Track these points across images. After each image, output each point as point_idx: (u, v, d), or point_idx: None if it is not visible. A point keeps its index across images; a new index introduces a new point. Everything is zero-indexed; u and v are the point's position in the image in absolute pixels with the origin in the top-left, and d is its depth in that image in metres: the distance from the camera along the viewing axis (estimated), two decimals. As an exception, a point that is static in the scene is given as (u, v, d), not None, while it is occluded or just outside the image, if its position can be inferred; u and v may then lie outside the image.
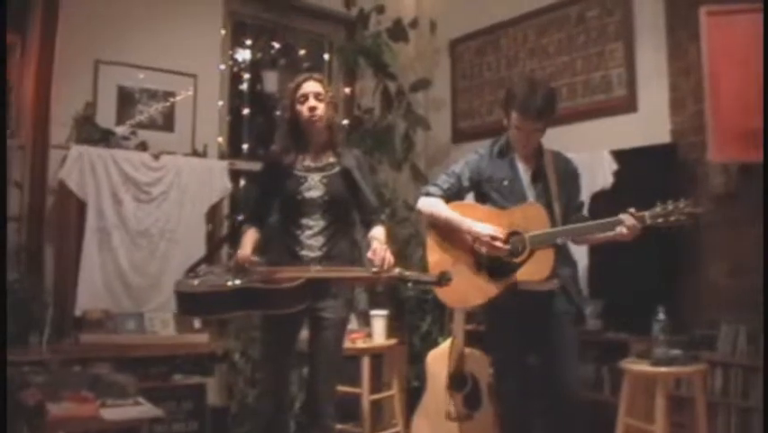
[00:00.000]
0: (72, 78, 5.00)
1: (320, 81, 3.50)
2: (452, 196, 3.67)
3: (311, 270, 3.27)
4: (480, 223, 3.49)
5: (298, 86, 3.47)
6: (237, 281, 3.22)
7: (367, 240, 3.45)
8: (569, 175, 3.64)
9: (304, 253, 3.39)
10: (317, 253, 3.39)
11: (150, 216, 4.98)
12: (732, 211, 4.38)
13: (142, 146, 5.13)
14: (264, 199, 3.59)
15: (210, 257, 3.53)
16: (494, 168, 3.64)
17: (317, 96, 3.44)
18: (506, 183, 3.57)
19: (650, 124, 4.87)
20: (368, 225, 3.51)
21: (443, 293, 3.63)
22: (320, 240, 3.41)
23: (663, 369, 3.78)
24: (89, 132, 4.95)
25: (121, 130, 5.13)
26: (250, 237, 3.45)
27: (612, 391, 4.46)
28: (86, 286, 4.69)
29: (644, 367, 3.87)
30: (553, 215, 3.46)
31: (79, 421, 3.61)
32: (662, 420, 3.72)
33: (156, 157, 5.06)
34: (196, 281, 3.28)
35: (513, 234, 3.45)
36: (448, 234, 3.62)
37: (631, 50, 5.10)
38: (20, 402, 3.63)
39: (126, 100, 5.27)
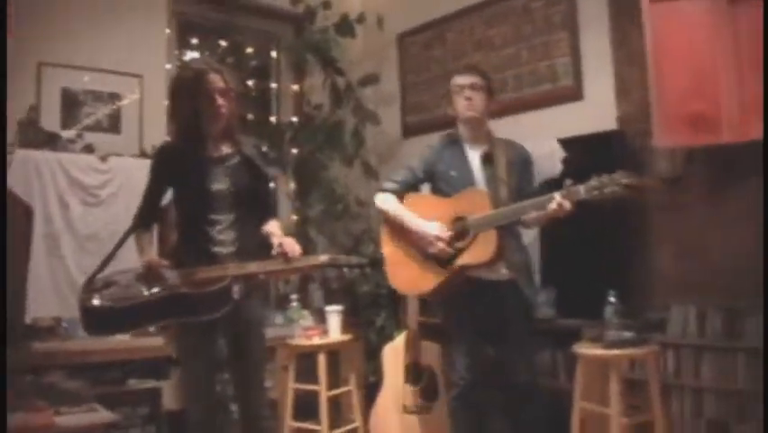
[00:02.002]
0: (15, 81, 4.89)
1: (222, 74, 3.22)
2: (407, 188, 3.86)
3: (230, 267, 3.09)
4: (425, 222, 3.61)
5: (199, 78, 3.17)
6: (156, 289, 3.02)
7: (266, 233, 3.30)
8: (520, 161, 3.75)
9: (216, 249, 3.16)
10: (230, 249, 3.18)
11: (98, 220, 4.88)
12: (678, 195, 4.44)
13: (89, 149, 5.05)
14: (157, 196, 3.33)
15: (102, 269, 3.24)
16: (444, 158, 3.82)
17: (222, 92, 3.19)
18: (453, 173, 3.72)
19: (597, 111, 4.92)
20: (263, 219, 3.37)
21: (396, 282, 3.77)
22: (231, 234, 3.20)
23: (616, 351, 3.82)
24: (34, 135, 4.85)
25: (66, 133, 5.04)
26: (147, 240, 3.25)
27: (568, 377, 4.49)
28: (36, 293, 4.59)
29: (597, 351, 3.90)
30: (498, 199, 3.52)
31: (34, 431, 3.55)
32: (617, 403, 3.75)
33: (103, 159, 4.98)
34: (104, 294, 3.06)
35: (458, 219, 3.54)
36: (399, 227, 3.78)
37: (576, 39, 5.14)
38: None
39: (71, 102, 5.19)
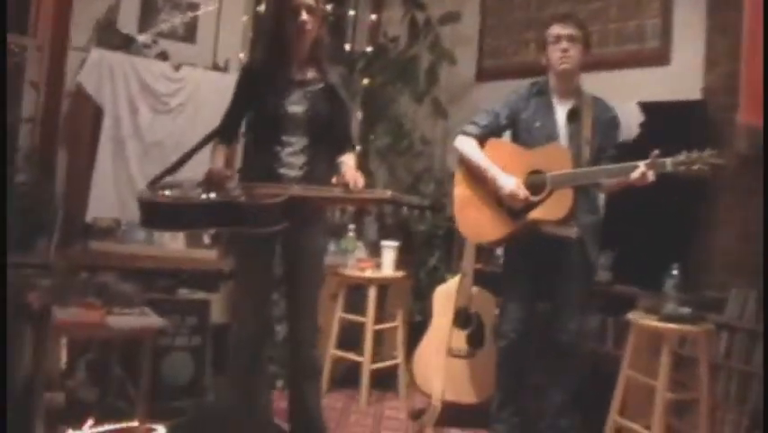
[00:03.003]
0: (97, -19, 4.91)
1: None
2: (489, 133, 3.79)
3: (292, 187, 3.07)
4: (504, 175, 3.56)
5: None
6: (212, 195, 3.03)
7: (338, 164, 3.29)
8: (606, 122, 3.69)
9: (283, 171, 3.17)
10: (298, 173, 3.18)
11: (165, 128, 4.91)
12: (752, 176, 4.31)
13: (163, 56, 5.04)
14: (239, 113, 3.34)
15: (173, 171, 3.30)
16: (530, 108, 3.74)
17: (310, 9, 3.13)
18: (538, 124, 3.66)
19: (682, 78, 4.77)
20: (340, 149, 3.34)
21: (462, 226, 3.75)
22: (301, 159, 3.19)
23: (671, 325, 3.76)
24: (110, 37, 4.86)
25: (142, 38, 5.03)
26: (221, 153, 3.26)
27: (615, 343, 4.45)
28: (98, 193, 4.65)
29: (651, 322, 3.84)
30: (580, 157, 3.47)
31: (85, 327, 3.61)
32: (664, 376, 3.71)
33: (176, 68, 4.98)
34: (164, 193, 3.09)
35: (535, 172, 3.49)
36: (474, 172, 3.75)
37: (669, 0, 4.96)
38: (24, 304, 3.63)
39: (150, 7, 5.17)
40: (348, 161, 3.29)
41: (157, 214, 3.09)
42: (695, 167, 3.18)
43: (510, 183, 3.52)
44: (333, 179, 3.17)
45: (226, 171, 3.14)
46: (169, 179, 3.28)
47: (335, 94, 3.27)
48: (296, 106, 3.20)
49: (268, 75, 3.22)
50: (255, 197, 3.01)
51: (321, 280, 3.48)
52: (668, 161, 3.23)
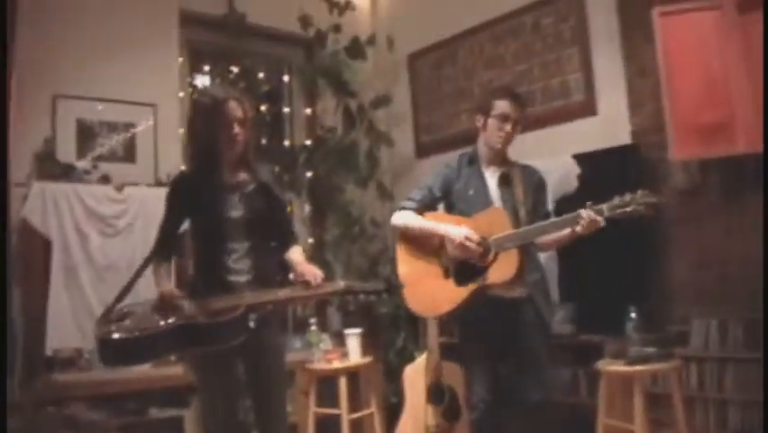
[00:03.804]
0: (30, 115, 4.94)
1: (240, 102, 3.16)
2: (425, 207, 3.81)
3: (246, 296, 3.04)
4: (453, 226, 3.60)
5: (219, 107, 3.11)
6: (171, 320, 2.95)
7: (288, 261, 3.29)
8: (535, 184, 3.76)
9: (233, 278, 3.12)
10: (247, 277, 3.14)
11: (116, 250, 4.92)
12: (695, 207, 4.43)
13: (105, 179, 5.07)
14: (173, 228, 3.28)
15: (120, 300, 3.19)
16: (462, 178, 3.80)
17: (240, 122, 3.13)
18: (471, 192, 3.71)
19: (610, 126, 4.93)
20: (284, 245, 3.35)
21: (413, 303, 3.73)
22: (247, 262, 3.16)
23: (639, 367, 3.80)
24: (50, 167, 4.89)
25: (82, 164, 5.07)
26: (165, 272, 3.22)
27: (589, 392, 4.48)
28: (56, 324, 4.61)
29: (619, 367, 3.88)
30: (518, 219, 3.53)
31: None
32: (640, 418, 3.73)
33: (119, 189, 5.01)
34: (120, 326, 2.97)
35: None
36: (417, 245, 3.75)
37: (587, 54, 5.15)
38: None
39: (86, 133, 5.21)
40: (296, 257, 3.29)
41: (115, 351, 3.00)
42: (629, 208, 3.24)
43: (461, 231, 3.52)
44: (292, 276, 3.16)
45: (176, 292, 3.09)
46: (118, 308, 3.16)
47: (269, 191, 3.27)
48: (233, 211, 3.18)
49: (200, 182, 3.19)
50: (211, 313, 2.97)
51: (285, 378, 3.47)
52: (603, 207, 3.29)
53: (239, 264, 3.15)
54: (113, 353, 3.01)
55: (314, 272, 3.11)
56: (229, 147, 3.16)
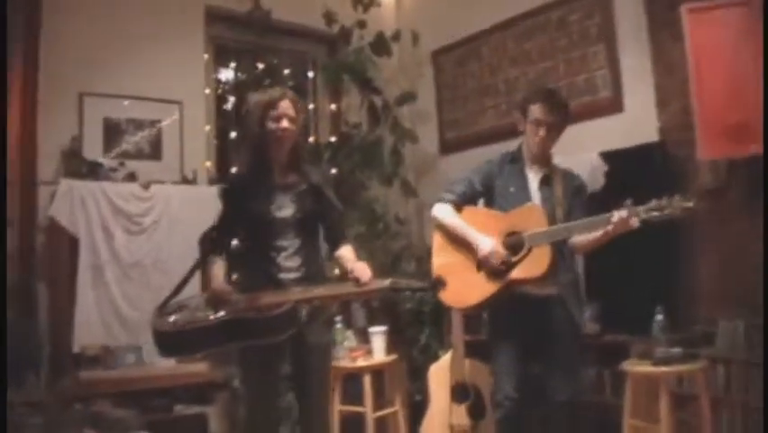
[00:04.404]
0: (57, 112, 5.00)
1: (294, 102, 3.32)
2: (465, 200, 3.83)
3: (294, 292, 3.13)
4: (482, 237, 3.60)
5: (272, 104, 3.26)
6: (221, 313, 3.06)
7: (338, 258, 3.37)
8: (575, 188, 3.77)
9: (282, 275, 3.23)
10: (296, 275, 3.25)
11: (141, 248, 4.96)
12: (722, 206, 4.38)
13: (131, 177, 5.12)
14: (229, 226, 3.39)
15: (177, 294, 3.27)
16: (503, 174, 3.81)
17: (291, 119, 3.27)
18: (512, 189, 3.74)
19: (637, 123, 4.88)
20: (335, 244, 3.42)
21: (444, 294, 3.70)
22: (297, 260, 3.27)
23: (665, 368, 3.78)
24: (77, 165, 4.93)
25: (108, 162, 5.11)
26: (219, 268, 3.26)
27: (614, 393, 4.44)
28: (83, 322, 4.67)
29: (645, 368, 3.86)
30: (555, 218, 3.53)
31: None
32: (666, 419, 3.72)
33: (145, 187, 5.05)
34: (172, 318, 3.11)
35: (512, 233, 3.53)
36: (452, 238, 3.78)
37: (614, 51, 5.10)
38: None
39: (112, 131, 5.26)
40: (348, 255, 3.34)
41: (169, 342, 3.13)
42: (666, 212, 3.24)
43: (488, 244, 3.56)
44: (351, 273, 3.16)
45: (227, 287, 3.17)
46: (173, 301, 3.26)
47: (320, 192, 3.35)
48: (284, 210, 3.28)
49: (251, 183, 3.30)
50: (260, 307, 3.06)
51: (329, 376, 3.52)
52: (641, 208, 3.29)
53: (289, 262, 3.26)
54: (167, 344, 3.15)
55: (365, 270, 3.14)
56: (279, 144, 3.27)
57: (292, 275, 3.25)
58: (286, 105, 3.26)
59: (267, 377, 3.28)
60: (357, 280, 3.10)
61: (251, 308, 3.06)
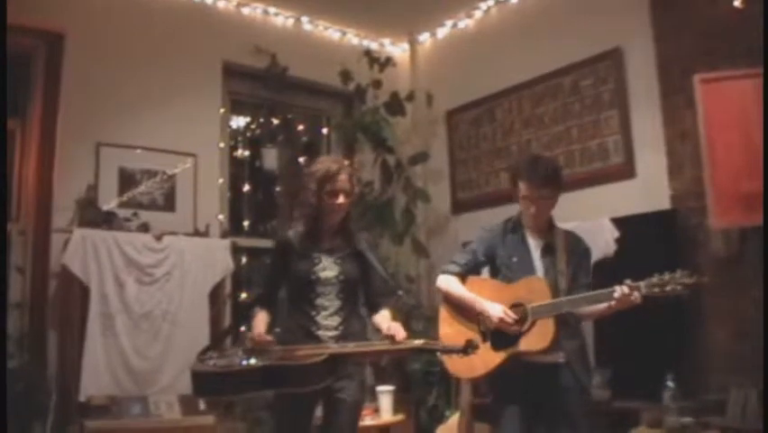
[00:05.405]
0: (73, 161, 5.05)
1: (351, 175, 3.47)
2: (469, 270, 3.83)
3: (330, 346, 3.26)
4: (490, 304, 3.59)
5: (331, 177, 3.39)
6: (257, 360, 3.15)
7: (375, 321, 3.48)
8: (579, 253, 3.74)
9: (320, 333, 3.37)
10: (334, 333, 3.38)
11: (152, 299, 4.96)
12: (734, 275, 4.38)
13: (144, 227, 5.14)
14: (276, 281, 3.56)
15: (217, 343, 3.43)
16: (506, 244, 3.79)
17: (347, 193, 3.42)
18: (515, 259, 3.71)
19: (649, 189, 4.90)
20: (375, 307, 3.54)
21: (451, 364, 3.72)
22: (336, 320, 3.40)
23: (676, 438, 3.75)
24: (91, 214, 4.96)
25: (122, 212, 5.13)
26: (262, 318, 3.41)
27: (625, 460, 4.40)
28: (90, 371, 4.64)
29: (656, 437, 3.83)
30: (558, 288, 3.52)
31: None
32: (677, 491, 3.67)
33: (158, 238, 5.07)
34: (212, 363, 3.21)
35: (516, 305, 3.53)
36: (458, 308, 3.77)
37: (626, 117, 5.15)
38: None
39: (127, 181, 5.30)
40: (385, 315, 3.49)
41: (206, 383, 3.23)
42: (668, 288, 3.25)
43: (498, 309, 3.56)
44: (385, 331, 3.29)
45: (268, 337, 3.27)
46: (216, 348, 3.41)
47: (363, 257, 3.48)
48: (328, 272, 3.43)
49: (300, 246, 3.46)
50: (296, 357, 3.16)
51: (355, 428, 3.54)
52: (641, 284, 3.29)
53: (327, 321, 3.41)
54: (203, 385, 3.24)
55: (400, 329, 3.27)
56: (333, 216, 3.44)
57: (330, 333, 3.38)
58: (343, 180, 3.41)
59: (296, 426, 3.37)
60: (392, 338, 3.22)
61: (287, 358, 3.17)
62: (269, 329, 3.40)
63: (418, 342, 3.27)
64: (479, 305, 3.66)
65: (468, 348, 3.21)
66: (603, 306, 3.42)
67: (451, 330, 3.78)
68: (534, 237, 3.74)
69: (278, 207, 6.52)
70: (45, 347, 4.70)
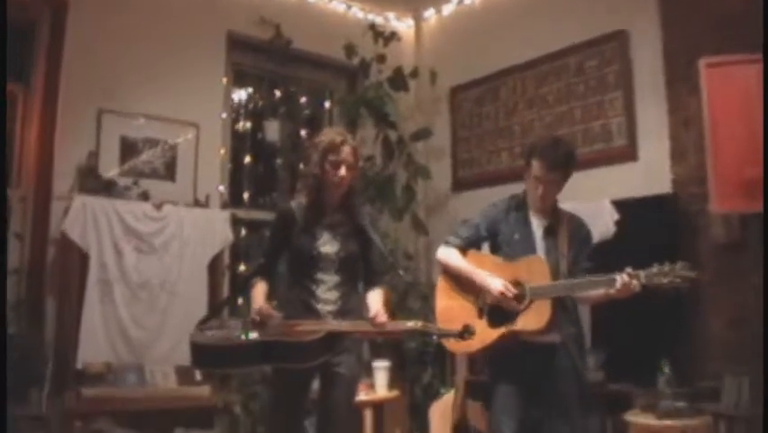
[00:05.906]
0: (75, 128, 5.02)
1: (355, 149, 3.45)
2: (470, 244, 3.84)
3: (330, 323, 3.29)
4: (491, 277, 3.60)
5: (335, 148, 3.38)
6: (256, 335, 3.19)
7: (367, 299, 3.47)
8: (580, 237, 3.74)
9: (320, 306, 3.38)
10: (332, 307, 3.39)
11: (151, 268, 4.97)
12: (734, 261, 4.38)
13: (144, 196, 5.13)
14: (276, 253, 3.57)
15: (215, 313, 3.43)
16: (509, 221, 3.79)
17: (350, 166, 3.40)
18: (517, 237, 3.71)
19: (651, 173, 4.90)
20: (371, 284, 3.54)
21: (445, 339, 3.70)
22: (335, 294, 3.41)
23: (669, 422, 3.77)
24: (92, 182, 4.95)
25: (123, 180, 5.12)
26: (261, 290, 3.41)
27: (616, 442, 4.42)
28: (88, 339, 4.66)
29: (649, 420, 3.85)
30: (558, 270, 3.52)
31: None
32: (668, 474, 3.69)
33: (158, 207, 5.06)
34: (211, 333, 3.24)
35: (515, 284, 3.53)
36: (457, 282, 3.78)
37: (631, 99, 5.13)
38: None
39: (129, 150, 5.28)
40: (375, 298, 3.47)
41: (205, 355, 3.26)
42: (666, 280, 3.25)
43: (499, 282, 3.56)
44: (373, 316, 3.31)
45: (272, 311, 3.29)
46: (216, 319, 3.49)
47: (365, 234, 3.47)
48: (328, 247, 3.43)
49: (302, 219, 3.45)
50: (295, 334, 3.19)
51: (352, 408, 3.60)
52: (641, 273, 3.30)
53: (326, 295, 3.42)
54: (202, 357, 3.28)
55: (382, 317, 3.28)
56: (335, 189, 3.43)
57: (329, 307, 3.39)
58: (347, 152, 3.40)
59: (293, 401, 3.39)
60: (375, 323, 3.26)
61: (285, 333, 3.20)
62: (268, 300, 3.41)
63: (415, 324, 3.28)
64: (478, 277, 3.66)
65: (464, 333, 3.22)
66: (601, 292, 3.43)
67: (447, 303, 3.80)
68: (537, 217, 3.74)
69: (279, 179, 6.50)
70: (43, 314, 4.70)
